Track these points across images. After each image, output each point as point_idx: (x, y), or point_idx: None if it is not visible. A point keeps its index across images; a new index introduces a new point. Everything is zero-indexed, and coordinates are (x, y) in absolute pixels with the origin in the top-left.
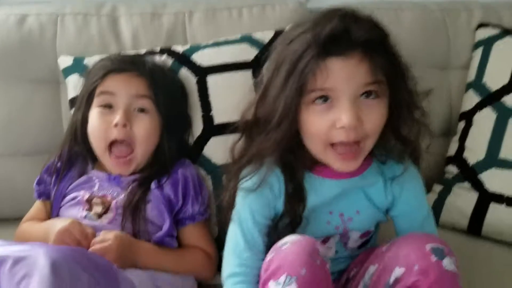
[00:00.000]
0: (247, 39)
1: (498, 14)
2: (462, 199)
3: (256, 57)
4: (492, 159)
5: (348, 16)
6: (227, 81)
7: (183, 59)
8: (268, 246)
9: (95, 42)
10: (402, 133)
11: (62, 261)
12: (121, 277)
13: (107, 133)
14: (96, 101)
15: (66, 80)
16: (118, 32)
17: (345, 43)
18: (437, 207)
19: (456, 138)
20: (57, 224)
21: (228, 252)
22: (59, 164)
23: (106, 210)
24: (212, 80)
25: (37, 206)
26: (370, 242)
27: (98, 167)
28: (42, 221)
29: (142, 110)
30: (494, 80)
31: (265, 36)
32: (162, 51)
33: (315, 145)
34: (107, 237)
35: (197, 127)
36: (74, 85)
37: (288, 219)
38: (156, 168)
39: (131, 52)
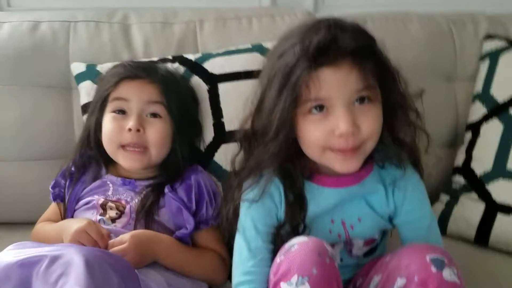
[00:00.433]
0: (258, 48)
1: (504, 26)
2: (469, 210)
3: None
4: (500, 170)
5: (334, 26)
6: (238, 89)
7: (195, 67)
8: (274, 252)
9: (107, 49)
10: (399, 135)
11: (94, 260)
12: (140, 279)
13: (120, 137)
14: (110, 106)
15: (79, 86)
16: (130, 40)
17: (334, 53)
18: (444, 217)
19: (463, 149)
20: (72, 225)
21: (234, 262)
22: (73, 168)
23: (120, 215)
24: (223, 88)
25: (52, 207)
26: (378, 250)
27: (112, 171)
28: (57, 222)
29: (154, 115)
30: (501, 92)
31: None
32: (174, 59)
33: (313, 152)
34: (124, 239)
35: (208, 134)
36: (86, 91)
37: (290, 227)
38: (169, 173)
39: (143, 59)
